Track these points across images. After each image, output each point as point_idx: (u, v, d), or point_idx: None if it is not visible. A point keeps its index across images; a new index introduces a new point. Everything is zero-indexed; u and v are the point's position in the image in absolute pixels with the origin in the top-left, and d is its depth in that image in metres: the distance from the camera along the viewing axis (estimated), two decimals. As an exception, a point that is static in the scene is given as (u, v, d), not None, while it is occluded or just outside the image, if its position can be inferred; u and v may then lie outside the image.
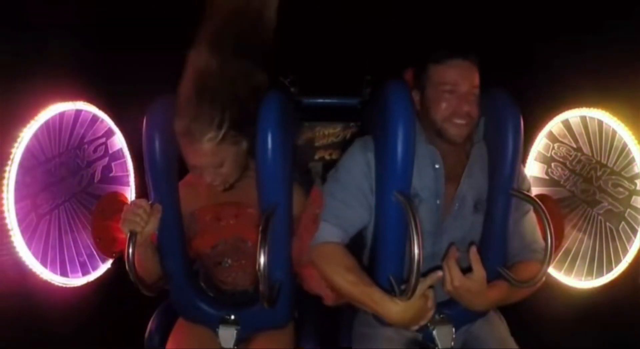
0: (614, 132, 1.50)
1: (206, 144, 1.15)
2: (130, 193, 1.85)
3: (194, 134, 1.14)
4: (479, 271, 1.17)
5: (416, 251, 1.01)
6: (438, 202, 1.26)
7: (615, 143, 1.51)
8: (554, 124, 1.77)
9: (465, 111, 1.20)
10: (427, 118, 1.26)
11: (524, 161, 1.83)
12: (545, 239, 1.19)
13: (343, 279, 1.15)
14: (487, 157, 1.31)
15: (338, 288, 1.18)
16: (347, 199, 1.23)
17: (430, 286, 1.14)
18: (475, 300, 1.19)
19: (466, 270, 1.18)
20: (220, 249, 1.38)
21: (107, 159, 1.73)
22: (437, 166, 1.26)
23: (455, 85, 1.20)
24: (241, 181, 1.33)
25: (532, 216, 1.34)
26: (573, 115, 1.68)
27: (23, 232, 1.31)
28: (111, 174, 1.76)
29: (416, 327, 1.16)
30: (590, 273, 1.60)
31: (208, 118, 1.13)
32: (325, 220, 1.22)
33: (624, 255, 1.48)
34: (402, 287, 1.11)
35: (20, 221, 1.30)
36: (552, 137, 1.79)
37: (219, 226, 1.36)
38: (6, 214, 1.26)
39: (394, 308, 1.11)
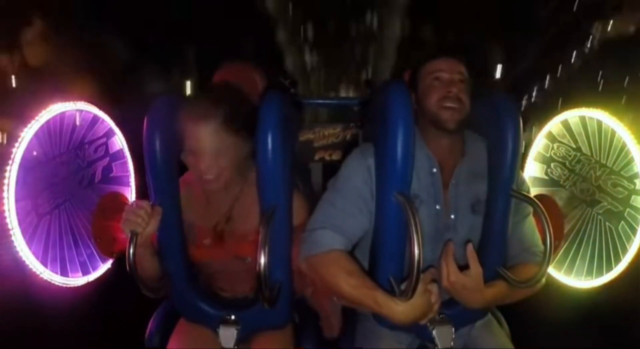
0: (613, 132, 1.51)
1: (210, 123, 1.18)
2: (130, 193, 1.85)
3: (200, 113, 1.19)
4: (475, 268, 1.17)
5: (416, 250, 1.01)
6: (438, 207, 1.27)
7: (614, 143, 1.51)
8: (553, 124, 1.77)
9: (453, 93, 1.25)
10: (422, 111, 1.29)
11: (523, 161, 1.83)
12: (544, 239, 1.19)
13: (346, 284, 1.15)
14: (486, 158, 1.31)
15: (341, 293, 1.18)
16: (348, 208, 1.23)
17: (433, 280, 1.14)
18: (471, 297, 1.20)
19: (465, 268, 1.19)
20: (218, 263, 1.38)
21: (107, 159, 1.74)
22: (434, 170, 1.27)
23: (442, 72, 1.28)
24: (241, 197, 1.34)
25: (531, 220, 1.35)
26: (572, 115, 1.68)
27: (23, 232, 1.31)
28: (112, 175, 1.77)
29: (425, 321, 1.16)
30: (590, 273, 1.60)
31: (214, 104, 1.21)
32: (327, 228, 1.22)
33: (624, 255, 1.48)
34: (402, 287, 1.11)
35: (21, 221, 1.30)
36: (551, 138, 1.79)
37: (218, 246, 1.35)
38: (6, 214, 1.26)
39: (398, 309, 1.11)
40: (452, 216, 1.28)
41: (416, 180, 1.20)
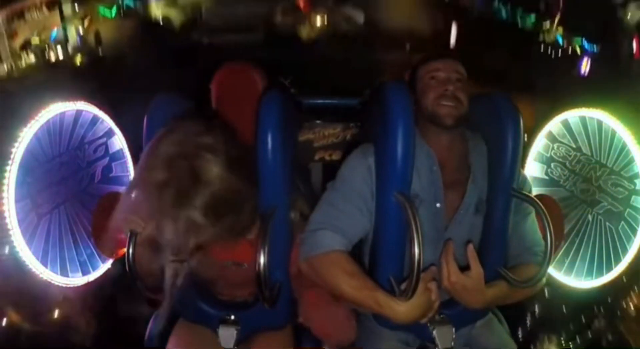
0: (614, 132, 1.51)
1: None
2: (130, 193, 1.85)
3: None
4: (476, 268, 1.17)
5: (416, 250, 1.01)
6: (438, 205, 1.27)
7: (614, 143, 1.51)
8: (554, 124, 1.77)
9: (450, 91, 1.26)
10: (421, 110, 1.30)
11: (523, 162, 1.83)
12: (544, 239, 1.19)
13: (346, 285, 1.15)
14: (486, 157, 1.31)
15: (342, 294, 1.18)
16: (348, 209, 1.23)
17: (433, 279, 1.14)
18: (472, 297, 1.19)
19: (466, 269, 1.18)
20: (216, 269, 1.37)
21: (107, 159, 1.74)
22: (434, 168, 1.27)
23: (438, 71, 1.29)
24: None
25: (533, 219, 1.35)
26: (572, 115, 1.68)
27: (23, 232, 1.31)
28: (111, 174, 1.77)
29: (425, 320, 1.17)
30: (590, 273, 1.60)
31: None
32: (327, 229, 1.21)
33: (624, 255, 1.48)
34: (402, 287, 1.11)
35: (21, 221, 1.31)
36: (551, 138, 1.79)
37: (214, 251, 1.32)
38: (6, 214, 1.26)
39: (400, 309, 1.11)
40: (461, 213, 1.28)
41: (417, 179, 1.20)
